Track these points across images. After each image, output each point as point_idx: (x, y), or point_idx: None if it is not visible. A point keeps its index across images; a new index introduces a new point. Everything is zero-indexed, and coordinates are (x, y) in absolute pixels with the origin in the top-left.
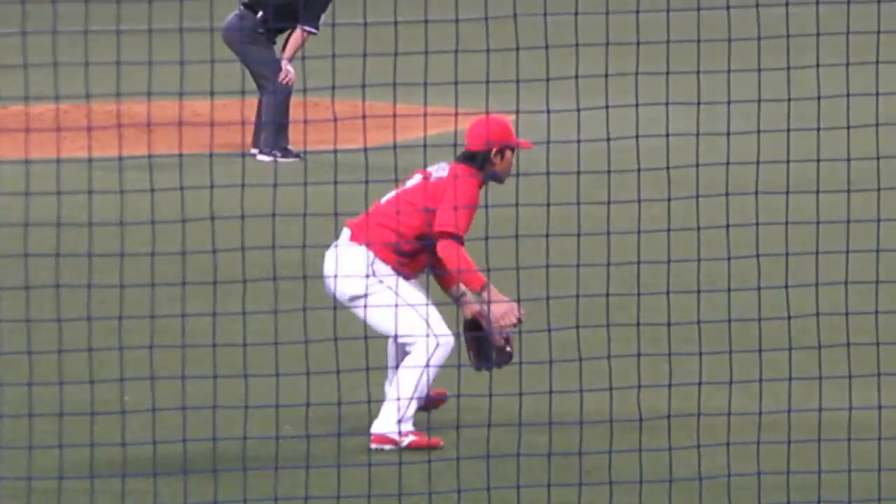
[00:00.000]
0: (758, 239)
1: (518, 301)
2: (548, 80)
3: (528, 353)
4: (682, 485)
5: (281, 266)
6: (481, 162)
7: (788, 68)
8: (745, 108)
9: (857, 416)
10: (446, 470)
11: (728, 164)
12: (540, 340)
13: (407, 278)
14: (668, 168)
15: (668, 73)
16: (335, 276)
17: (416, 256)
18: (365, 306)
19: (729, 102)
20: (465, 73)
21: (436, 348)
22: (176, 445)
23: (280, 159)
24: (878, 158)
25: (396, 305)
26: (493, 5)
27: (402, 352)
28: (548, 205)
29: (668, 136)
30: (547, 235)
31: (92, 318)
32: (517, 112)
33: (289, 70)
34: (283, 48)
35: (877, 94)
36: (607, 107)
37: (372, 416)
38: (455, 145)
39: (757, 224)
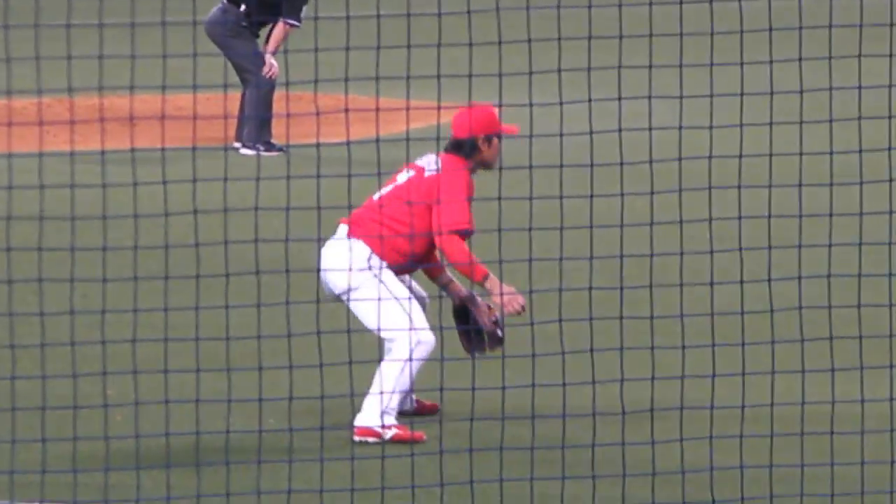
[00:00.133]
0: (740, 232)
1: (501, 295)
2: (530, 73)
3: (511, 347)
4: (666, 478)
5: (264, 260)
6: (469, 150)
7: (771, 62)
8: (728, 101)
9: (840, 410)
10: (429, 463)
11: (711, 157)
12: (523, 334)
13: (401, 273)
14: (650, 162)
15: (650, 67)
16: (333, 270)
17: (414, 252)
18: (349, 300)
19: (712, 96)
20: (449, 67)
21: (417, 345)
22: (159, 439)
23: (263, 153)
24: (860, 152)
25: (379, 300)
26: None
27: (385, 346)
28: (530, 198)
29: (650, 129)
30: (530, 229)
31: (74, 311)
32: (500, 105)
33: (272, 64)
34: (266, 42)
35: (859, 88)
36: (590, 100)
37: (355, 409)
38: (438, 139)
39: (740, 218)
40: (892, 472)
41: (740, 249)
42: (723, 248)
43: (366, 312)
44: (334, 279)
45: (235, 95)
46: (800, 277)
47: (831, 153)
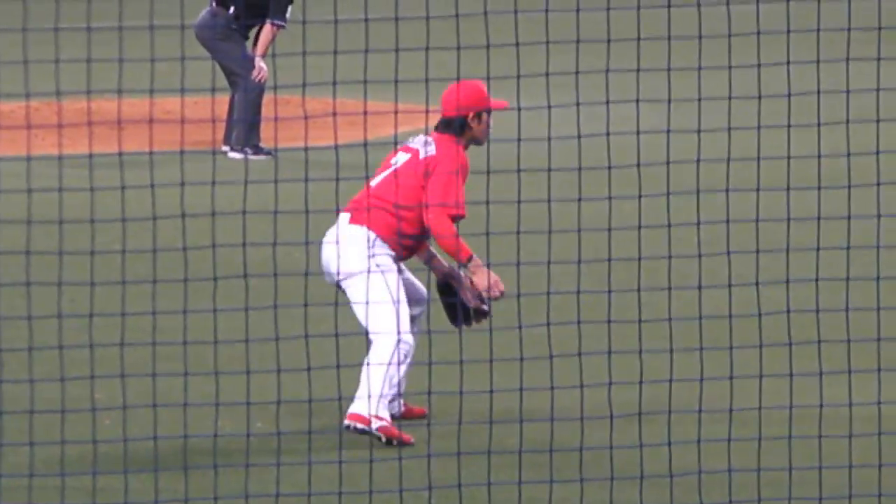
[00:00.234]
0: (728, 236)
1: (489, 299)
2: (518, 77)
3: (499, 351)
4: (654, 481)
5: (252, 263)
6: (459, 127)
7: (759, 65)
8: (716, 105)
9: (828, 413)
10: (417, 466)
11: (699, 161)
12: (511, 338)
13: (403, 258)
14: (638, 165)
15: (638, 70)
16: (336, 257)
17: (414, 233)
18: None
19: (699, 99)
20: (436, 71)
21: (397, 345)
22: (147, 442)
23: (251, 157)
24: (848, 155)
25: (367, 300)
26: (463, 3)
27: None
28: (518, 202)
29: (638, 133)
30: (518, 233)
31: (62, 315)
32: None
33: (262, 67)
34: (254, 45)
35: (847, 92)
36: (578, 104)
37: (343, 412)
38: (426, 144)
39: (728, 221)
40: (880, 476)
41: (728, 253)
42: (711, 252)
43: (358, 305)
44: (337, 266)
45: (223, 99)
46: (787, 281)
47: (819, 157)
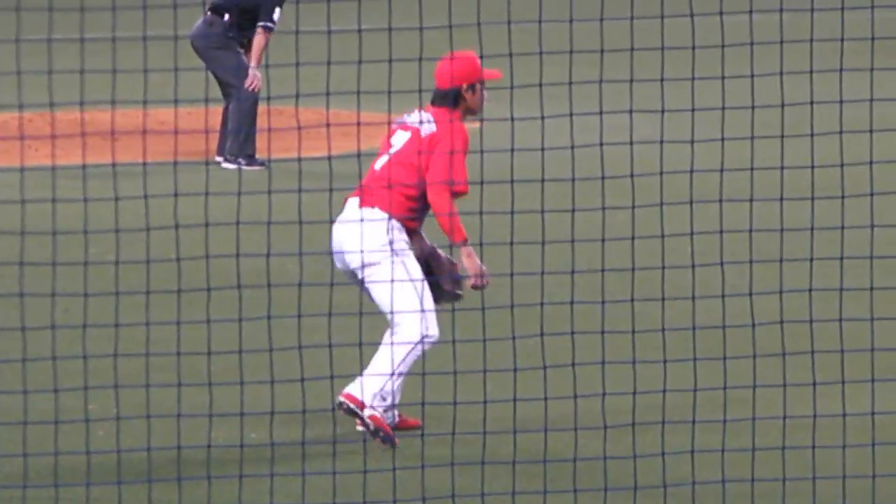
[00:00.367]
0: (722, 246)
1: (483, 309)
2: (512, 87)
3: (493, 361)
4: (647, 492)
5: (245, 274)
6: (454, 100)
7: (752, 76)
8: (710, 115)
9: (822, 423)
10: (411, 477)
11: (692, 171)
12: (505, 348)
13: (413, 233)
14: (632, 175)
15: (631, 81)
16: (351, 245)
17: (423, 214)
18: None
19: (693, 110)
20: (430, 82)
21: (424, 333)
22: (140, 453)
23: (245, 167)
24: (841, 166)
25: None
26: (456, 14)
27: (392, 327)
28: (511, 213)
29: (632, 143)
30: (511, 243)
31: (56, 326)
32: (481, 120)
33: (255, 75)
34: (247, 53)
35: (840, 102)
36: (571, 114)
37: (337, 423)
38: (420, 153)
39: (721, 232)
40: (873, 487)
41: (721, 263)
42: (704, 263)
43: (380, 291)
44: (352, 255)
45: (217, 109)
46: (781, 291)
47: (812, 167)
